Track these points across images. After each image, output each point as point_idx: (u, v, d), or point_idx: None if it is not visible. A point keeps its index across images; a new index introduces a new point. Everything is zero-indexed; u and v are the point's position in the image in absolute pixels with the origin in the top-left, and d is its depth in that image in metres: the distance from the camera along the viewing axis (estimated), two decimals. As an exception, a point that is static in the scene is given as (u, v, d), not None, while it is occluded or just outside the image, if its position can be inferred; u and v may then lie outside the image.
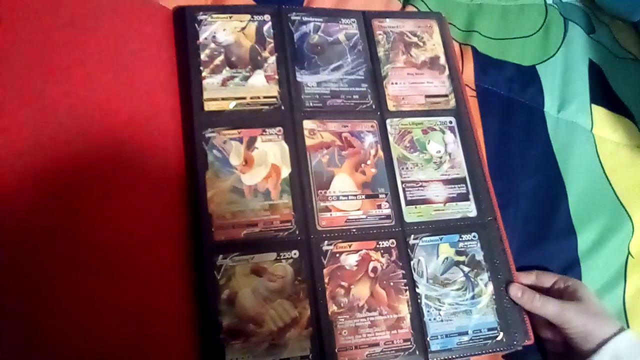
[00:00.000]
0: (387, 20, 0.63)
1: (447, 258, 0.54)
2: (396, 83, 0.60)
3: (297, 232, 0.50)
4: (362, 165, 0.55)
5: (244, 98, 0.53)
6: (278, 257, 0.49)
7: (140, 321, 0.45)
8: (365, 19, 0.62)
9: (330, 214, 0.52)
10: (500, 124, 0.66)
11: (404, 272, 0.52)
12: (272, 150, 0.52)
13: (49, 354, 0.43)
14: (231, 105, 0.53)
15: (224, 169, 0.50)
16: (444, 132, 0.59)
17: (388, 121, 0.57)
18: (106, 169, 0.48)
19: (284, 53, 0.56)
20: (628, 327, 0.60)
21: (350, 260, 0.51)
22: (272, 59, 0.56)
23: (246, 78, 0.54)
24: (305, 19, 0.59)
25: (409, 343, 0.49)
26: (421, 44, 0.63)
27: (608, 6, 0.81)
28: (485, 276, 0.54)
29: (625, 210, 0.66)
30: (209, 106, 0.52)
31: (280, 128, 0.53)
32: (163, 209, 0.49)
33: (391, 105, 0.58)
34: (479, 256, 0.55)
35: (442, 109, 0.60)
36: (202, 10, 0.55)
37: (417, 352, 0.49)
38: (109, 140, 0.49)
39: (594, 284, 0.60)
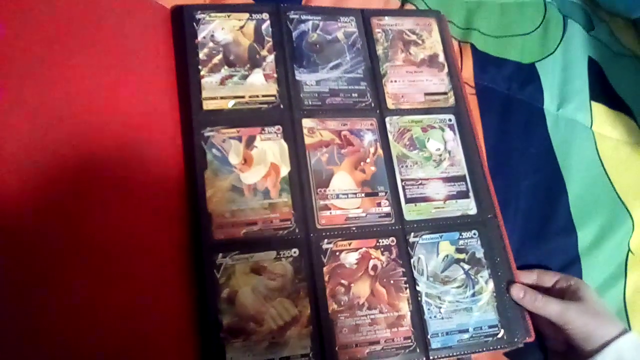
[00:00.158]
0: (386, 18, 0.62)
1: (447, 256, 0.53)
2: (395, 81, 0.60)
3: (297, 230, 0.50)
4: (362, 163, 0.55)
5: (243, 97, 0.53)
6: (278, 256, 0.49)
7: (140, 320, 0.45)
8: (364, 17, 0.61)
9: (330, 212, 0.52)
10: (499, 121, 0.66)
11: (404, 270, 0.52)
12: (271, 148, 0.52)
13: (50, 353, 0.43)
14: (230, 104, 0.53)
15: (223, 168, 0.50)
16: (443, 130, 0.59)
17: (387, 119, 0.57)
18: (105, 169, 0.48)
19: (282, 52, 0.56)
20: (629, 323, 0.60)
21: (350, 259, 0.51)
22: (271, 58, 0.56)
23: (245, 77, 0.54)
24: (303, 17, 0.59)
25: (410, 341, 0.49)
26: (420, 42, 0.63)
27: (607, 3, 0.81)
28: (485, 274, 0.54)
29: (625, 207, 0.66)
30: (207, 105, 0.52)
31: (279, 127, 0.53)
32: (162, 207, 0.49)
33: (390, 104, 0.58)
34: (480, 254, 0.54)
35: (441, 106, 0.60)
36: (200, 9, 0.55)
37: (418, 350, 0.49)
38: (108, 140, 0.49)
39: (595, 281, 0.60)
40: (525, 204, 0.62)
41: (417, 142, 0.58)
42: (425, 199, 0.55)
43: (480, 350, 0.51)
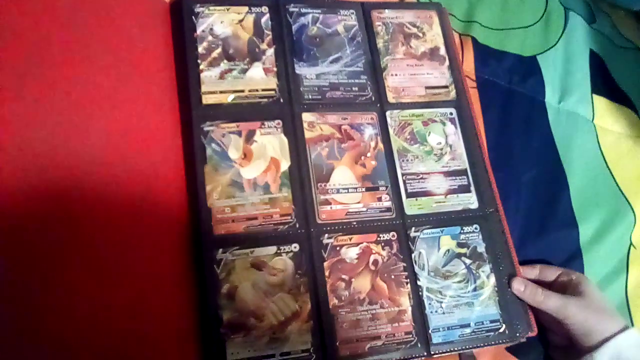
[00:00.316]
0: (386, 11, 0.62)
1: (448, 250, 0.53)
2: (396, 74, 0.59)
3: (297, 225, 0.50)
4: (362, 157, 0.54)
5: (243, 91, 0.53)
6: (278, 251, 0.48)
7: (141, 316, 0.45)
8: (364, 10, 0.61)
9: (331, 207, 0.51)
10: (501, 115, 0.66)
11: (405, 264, 0.51)
12: (271, 143, 0.52)
13: (51, 351, 0.42)
14: (229, 98, 0.52)
15: (223, 163, 0.50)
16: (444, 124, 0.59)
17: (388, 113, 0.57)
18: (104, 165, 0.48)
19: (282, 45, 0.56)
20: (630, 317, 0.60)
21: (350, 254, 0.50)
22: (271, 51, 0.55)
23: (244, 71, 0.54)
24: (303, 10, 0.58)
25: (411, 336, 0.49)
26: (421, 34, 0.62)
27: (609, -5, 0.80)
28: (487, 268, 0.54)
29: (627, 200, 0.65)
30: (207, 99, 0.52)
31: (279, 121, 0.53)
32: (162, 203, 0.49)
33: (391, 97, 0.58)
34: (481, 248, 0.54)
35: (442, 100, 0.60)
36: (199, 3, 0.55)
37: (419, 345, 0.49)
38: (107, 135, 0.49)
39: (597, 275, 0.60)
40: (527, 198, 0.62)
41: (418, 136, 0.57)
42: (426, 194, 0.55)
43: (482, 345, 0.51)
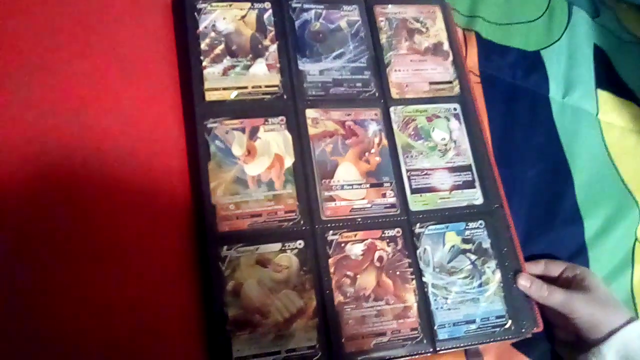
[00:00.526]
0: (390, 6, 0.62)
1: (453, 246, 0.53)
2: (399, 70, 0.59)
3: (302, 222, 0.49)
4: (366, 153, 0.54)
5: (246, 87, 0.53)
6: (283, 248, 0.48)
7: (147, 314, 0.45)
8: (367, 5, 0.61)
9: (335, 204, 0.51)
10: (505, 110, 0.66)
11: (410, 261, 0.51)
12: (275, 139, 0.52)
13: (59, 347, 0.42)
14: (233, 95, 0.52)
15: (226, 160, 0.50)
16: (448, 119, 0.58)
17: (392, 109, 0.57)
18: (108, 163, 0.48)
19: (285, 41, 0.56)
20: (636, 311, 0.59)
21: (355, 250, 0.50)
22: (274, 48, 0.55)
23: (247, 67, 0.53)
24: (306, 6, 0.58)
25: (416, 332, 0.49)
26: (424, 30, 0.62)
27: (613, -11, 0.80)
28: (492, 264, 0.53)
29: (632, 195, 0.65)
30: (210, 96, 0.51)
31: (283, 117, 0.53)
32: (166, 200, 0.49)
33: (394, 93, 0.58)
34: (486, 244, 0.54)
35: (446, 95, 0.59)
36: (201, -1, 0.55)
37: (425, 341, 0.49)
38: (110, 133, 0.49)
39: (602, 270, 0.60)
40: (531, 193, 0.62)
41: (422, 131, 0.57)
42: (430, 190, 0.55)
43: (488, 341, 0.51)
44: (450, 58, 0.61)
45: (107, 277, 0.45)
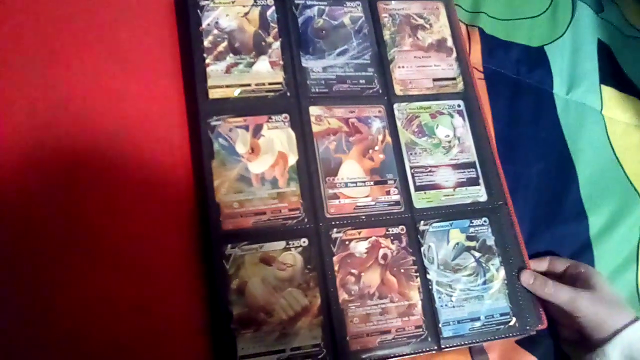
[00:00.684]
0: (393, 2, 0.61)
1: (457, 244, 0.53)
2: (403, 67, 0.58)
3: (306, 220, 0.49)
4: (370, 151, 0.54)
5: (249, 85, 0.52)
6: (287, 246, 0.48)
7: (151, 313, 0.45)
8: (370, 1, 0.60)
9: (339, 201, 0.51)
10: (509, 106, 0.65)
11: (414, 258, 0.51)
12: (279, 137, 0.52)
13: (64, 346, 0.42)
14: (236, 92, 0.52)
15: (230, 158, 0.50)
16: (452, 116, 0.58)
17: (395, 106, 0.56)
18: (111, 161, 0.48)
19: (288, 38, 0.55)
20: (641, 309, 0.59)
21: (360, 248, 0.50)
22: (277, 45, 0.55)
23: (250, 64, 0.53)
24: (309, 2, 0.58)
25: (421, 330, 0.49)
26: (428, 26, 0.62)
27: (617, -16, 0.79)
28: (496, 261, 0.53)
29: (637, 191, 0.65)
30: (213, 94, 0.51)
31: (287, 115, 0.52)
32: (170, 199, 0.49)
33: (398, 90, 0.57)
34: (490, 241, 0.54)
35: (450, 92, 0.59)
36: (204, -4, 0.54)
37: (429, 339, 0.49)
38: (113, 131, 0.49)
39: (607, 266, 0.60)
40: (536, 190, 0.62)
41: (425, 128, 0.57)
42: (434, 187, 0.54)
43: (492, 338, 0.51)
44: (454, 54, 0.61)
45: (111, 276, 0.45)
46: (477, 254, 0.53)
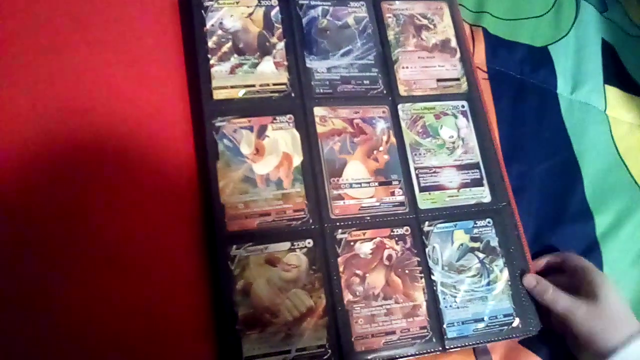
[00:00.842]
0: (397, 2, 0.61)
1: (462, 244, 0.53)
2: (407, 67, 0.58)
3: (311, 221, 0.49)
4: (375, 152, 0.54)
5: (254, 85, 0.52)
6: (292, 247, 0.48)
7: (156, 314, 0.45)
8: (375, 1, 0.60)
9: (344, 202, 0.51)
10: (513, 106, 0.65)
11: (419, 259, 0.51)
12: (283, 138, 0.52)
13: (67, 346, 0.43)
14: (240, 93, 0.52)
15: (235, 159, 0.50)
16: (456, 117, 0.58)
17: (400, 106, 0.56)
18: (115, 163, 0.48)
19: (292, 38, 0.55)
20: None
21: (364, 249, 0.50)
22: (281, 45, 0.55)
23: (255, 65, 0.53)
24: (313, 2, 0.58)
25: (426, 330, 0.49)
26: (432, 26, 0.61)
27: (621, -17, 0.79)
28: (500, 262, 0.53)
29: (643, 191, 0.65)
30: (217, 94, 0.51)
31: (291, 115, 0.52)
32: (174, 200, 0.49)
33: (402, 90, 0.57)
34: (494, 242, 0.54)
35: (454, 93, 0.59)
36: (208, -4, 0.54)
37: (434, 340, 0.49)
38: (118, 132, 0.49)
39: (616, 266, 0.60)
40: (540, 190, 0.62)
41: (430, 129, 0.57)
42: (439, 188, 0.55)
43: (496, 339, 0.51)
44: (458, 55, 0.61)
45: (116, 278, 0.45)
46: (481, 255, 0.53)
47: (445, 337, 0.49)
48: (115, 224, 0.46)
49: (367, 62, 0.57)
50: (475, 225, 0.54)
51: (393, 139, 0.55)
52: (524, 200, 0.59)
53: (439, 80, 0.59)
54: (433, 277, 0.51)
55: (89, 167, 0.47)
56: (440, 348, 0.49)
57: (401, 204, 0.53)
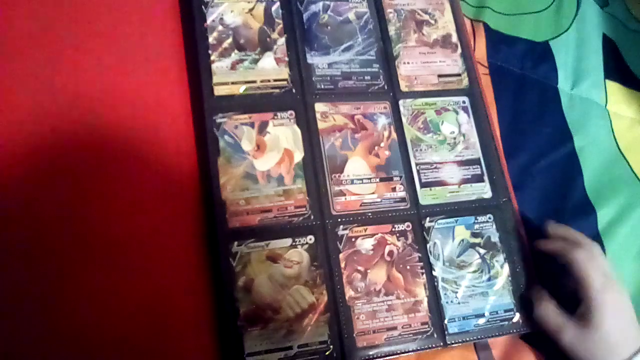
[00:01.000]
0: (398, -3, 0.61)
1: (462, 240, 0.53)
2: (408, 63, 0.58)
3: (312, 217, 0.49)
4: (376, 147, 0.54)
5: (254, 81, 0.52)
6: (293, 243, 0.48)
7: (157, 311, 0.45)
8: (376, -4, 0.60)
9: (345, 198, 0.51)
10: (513, 101, 0.65)
11: (420, 255, 0.51)
12: (285, 134, 0.51)
13: (69, 343, 0.43)
14: (241, 89, 0.52)
15: (236, 155, 0.50)
16: (457, 113, 0.58)
17: (401, 102, 0.56)
18: (116, 160, 0.48)
19: (293, 34, 0.55)
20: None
21: (366, 245, 0.50)
22: (282, 41, 0.54)
23: (256, 61, 0.53)
24: (314, -2, 0.58)
25: (427, 326, 0.49)
26: (433, 21, 0.61)
27: (622, -23, 0.79)
28: (501, 258, 0.53)
29: (643, 185, 0.65)
30: (218, 91, 0.51)
31: (292, 111, 0.52)
32: (176, 196, 0.49)
33: (403, 86, 0.57)
34: (495, 238, 0.54)
35: (455, 88, 0.59)
36: (208, -8, 0.54)
37: (435, 335, 0.49)
38: (118, 129, 0.49)
39: (617, 260, 0.60)
40: (541, 184, 0.62)
41: (431, 125, 0.57)
42: (440, 183, 0.55)
43: (497, 334, 0.51)
44: (459, 50, 0.61)
45: (117, 275, 0.45)
46: (482, 251, 0.53)
47: (446, 332, 0.49)
48: (116, 221, 0.46)
49: (368, 57, 0.57)
50: (476, 221, 0.54)
51: (394, 135, 0.55)
52: (524, 196, 0.59)
53: (440, 75, 0.59)
54: (434, 273, 0.51)
55: (89, 164, 0.47)
56: (442, 343, 0.49)
57: (402, 199, 0.53)
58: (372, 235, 0.51)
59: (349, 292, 0.48)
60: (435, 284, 0.51)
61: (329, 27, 0.57)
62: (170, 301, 0.46)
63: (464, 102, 0.59)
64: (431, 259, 0.51)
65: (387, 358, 0.48)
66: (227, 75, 0.52)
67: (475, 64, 0.61)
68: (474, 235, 0.54)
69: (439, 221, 0.53)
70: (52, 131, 0.46)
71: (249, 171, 0.49)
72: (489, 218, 0.55)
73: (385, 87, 0.56)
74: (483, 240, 0.54)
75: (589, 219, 0.61)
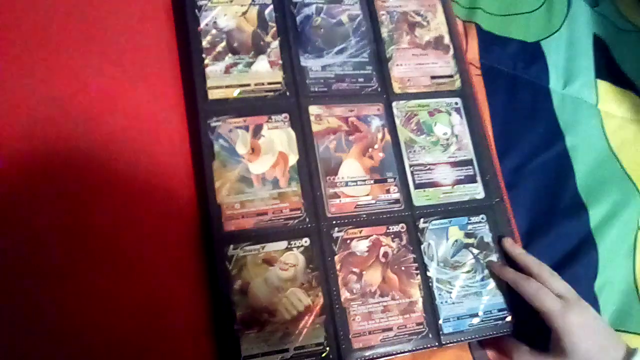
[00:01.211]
0: (390, -1, 0.61)
1: (456, 241, 0.54)
2: (401, 64, 0.59)
3: (307, 219, 0.50)
4: (370, 149, 0.54)
5: (248, 85, 0.52)
6: (289, 246, 0.49)
7: (154, 314, 0.45)
8: (368, -2, 0.60)
9: (340, 200, 0.51)
10: (506, 102, 0.66)
11: (414, 256, 0.52)
12: (279, 137, 0.52)
13: (67, 345, 0.43)
14: (235, 92, 0.52)
15: (231, 159, 0.50)
16: (450, 114, 0.58)
17: (394, 104, 0.57)
18: (110, 164, 0.48)
19: (287, 37, 0.55)
20: (639, 299, 0.60)
21: (361, 246, 0.51)
22: (275, 44, 0.55)
23: (249, 64, 0.53)
24: (307, 0, 0.58)
25: (422, 327, 0.50)
26: (425, 23, 0.62)
27: (611, -23, 0.79)
28: (494, 257, 0.54)
29: (635, 184, 0.66)
30: (212, 94, 0.51)
31: (286, 114, 0.53)
32: (171, 200, 0.49)
33: (397, 88, 0.58)
34: (488, 238, 0.55)
35: (447, 90, 0.59)
36: (201, -5, 0.54)
37: (430, 335, 0.50)
38: (113, 133, 0.49)
39: (609, 258, 0.61)
40: (534, 184, 0.62)
41: (424, 126, 0.57)
42: (433, 184, 0.55)
43: (491, 334, 0.51)
44: (451, 52, 0.61)
45: (113, 278, 0.45)
46: (476, 251, 0.54)
47: (441, 332, 0.50)
48: (112, 225, 0.46)
49: (361, 59, 0.57)
50: (469, 222, 0.55)
51: (388, 137, 0.55)
52: (517, 196, 0.60)
53: (432, 77, 0.60)
54: (429, 274, 0.51)
55: (84, 168, 0.47)
56: (437, 343, 0.50)
57: (396, 201, 0.53)
58: (367, 236, 0.51)
59: (345, 294, 0.49)
60: (430, 284, 0.51)
61: (322, 30, 0.57)
62: (167, 305, 0.46)
63: (456, 103, 0.59)
64: (425, 259, 0.52)
65: (383, 359, 0.48)
66: (221, 79, 0.52)
67: (467, 65, 0.62)
68: (468, 235, 0.54)
69: (433, 222, 0.53)
70: (47, 137, 0.46)
71: (244, 174, 0.50)
72: (482, 218, 0.55)
73: (379, 89, 0.57)
74: (476, 240, 0.54)
75: (581, 218, 0.62)
